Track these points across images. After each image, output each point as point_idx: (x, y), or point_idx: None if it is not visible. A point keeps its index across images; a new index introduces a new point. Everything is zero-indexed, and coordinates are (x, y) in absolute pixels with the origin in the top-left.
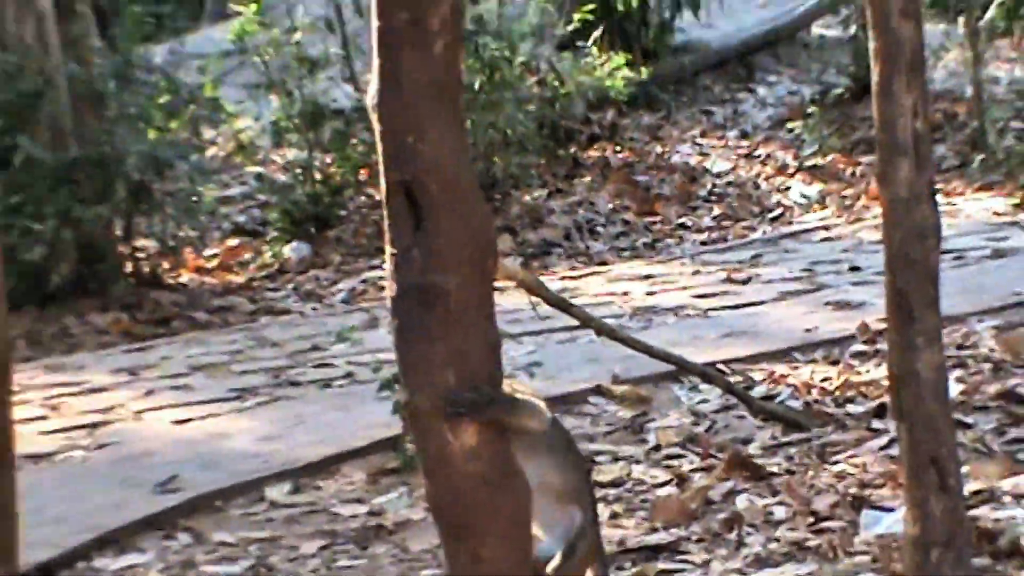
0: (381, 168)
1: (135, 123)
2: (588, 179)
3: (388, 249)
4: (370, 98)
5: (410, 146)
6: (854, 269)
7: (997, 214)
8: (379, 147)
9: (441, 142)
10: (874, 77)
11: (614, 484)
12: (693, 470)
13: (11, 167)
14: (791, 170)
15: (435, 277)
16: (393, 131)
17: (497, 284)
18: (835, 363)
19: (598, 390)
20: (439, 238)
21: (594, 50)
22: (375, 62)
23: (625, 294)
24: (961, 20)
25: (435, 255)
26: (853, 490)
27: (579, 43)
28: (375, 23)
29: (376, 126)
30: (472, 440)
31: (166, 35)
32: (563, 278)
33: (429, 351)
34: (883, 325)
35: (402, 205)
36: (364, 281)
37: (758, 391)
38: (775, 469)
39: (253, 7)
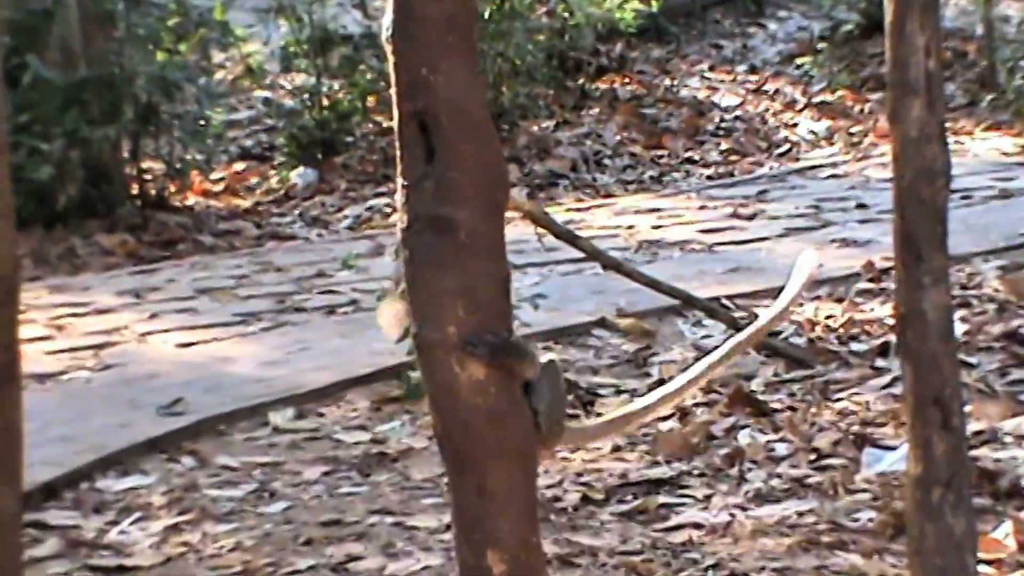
0: (394, 99)
1: (144, 44)
2: (596, 111)
3: (399, 181)
4: (384, 29)
5: (423, 78)
6: (860, 207)
7: (1005, 154)
8: (392, 79)
9: (454, 75)
10: (887, 16)
11: None
12: (696, 405)
13: (20, 86)
14: (799, 106)
15: (446, 209)
16: (406, 63)
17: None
18: (840, 301)
19: (602, 323)
20: (451, 170)
21: None
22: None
23: (631, 227)
24: None
25: (447, 187)
26: (855, 428)
27: None
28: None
29: (390, 58)
30: (480, 373)
31: None
32: (569, 210)
33: (439, 283)
34: (888, 263)
35: (414, 136)
36: (370, 208)
37: None
38: (777, 405)
39: None
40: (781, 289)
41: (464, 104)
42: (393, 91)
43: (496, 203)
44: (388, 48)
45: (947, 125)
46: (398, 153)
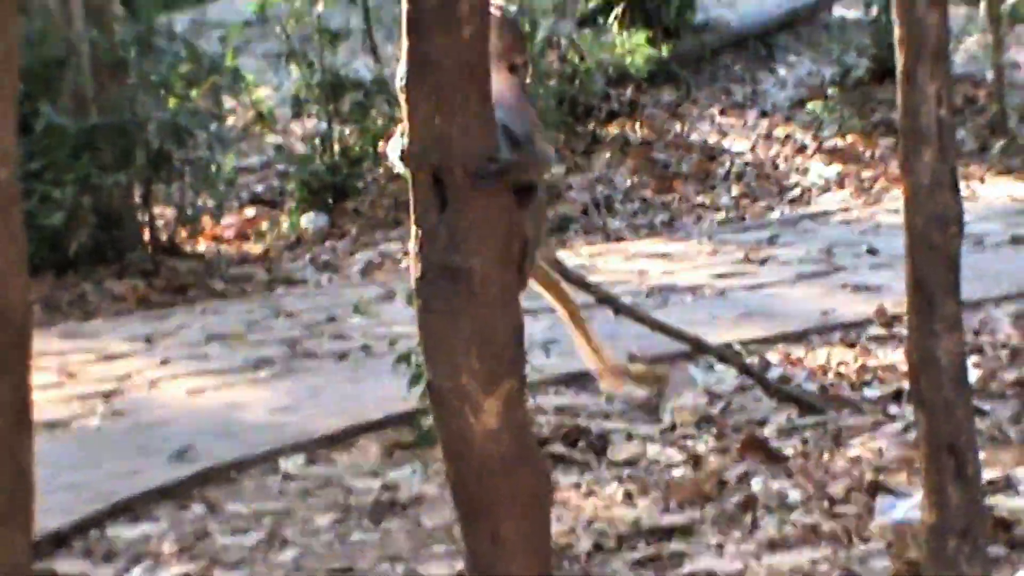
0: (407, 150)
1: (156, 91)
2: (607, 155)
3: (413, 230)
4: (398, 80)
5: (438, 129)
6: (872, 252)
7: (1016, 199)
8: (406, 130)
9: (468, 125)
10: (898, 65)
11: (628, 463)
12: (708, 451)
13: (32, 133)
14: (810, 151)
15: (460, 258)
16: (421, 115)
17: None
18: (852, 346)
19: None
20: (464, 219)
21: (615, 27)
22: (404, 44)
23: (642, 272)
24: (983, 4)
25: (460, 236)
26: (869, 475)
27: (600, 19)
28: (405, 6)
29: (404, 108)
30: (494, 422)
31: (188, 3)
32: (580, 254)
33: (452, 332)
34: (900, 309)
35: (428, 186)
36: (381, 253)
37: (774, 373)
38: (790, 452)
39: None
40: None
41: (478, 153)
42: (407, 141)
43: (510, 252)
44: (402, 97)
45: (958, 171)
46: (411, 202)
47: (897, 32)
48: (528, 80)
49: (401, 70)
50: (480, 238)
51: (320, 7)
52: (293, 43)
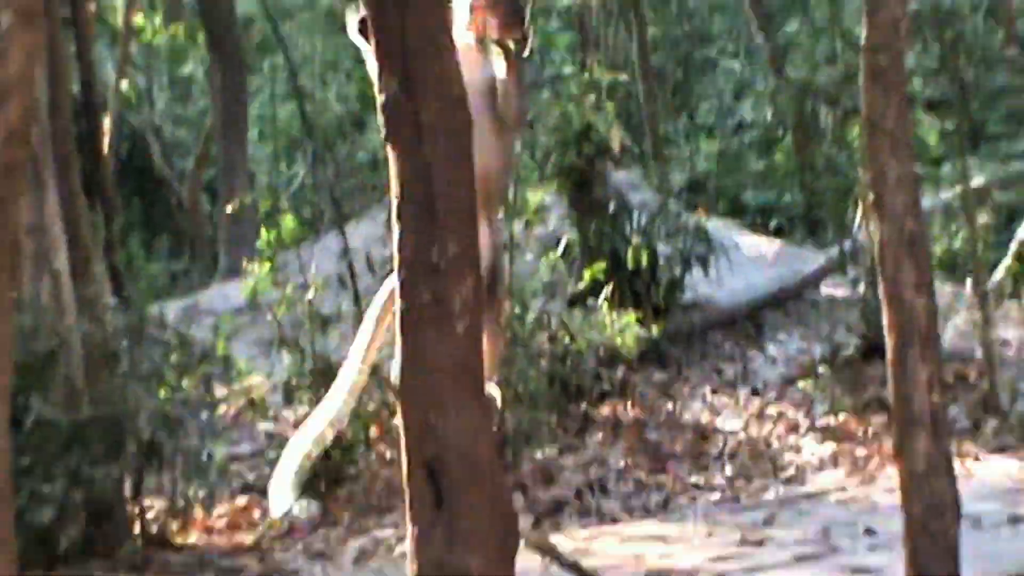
0: (403, 446)
1: (147, 381)
2: (599, 436)
3: (408, 527)
4: (393, 377)
5: (432, 425)
6: (869, 532)
7: (1012, 478)
8: (401, 425)
9: (463, 421)
10: (888, 351)
11: None
12: None
13: (22, 428)
14: (803, 429)
15: (456, 557)
16: (415, 410)
17: None
18: None
19: None
20: (460, 517)
21: (604, 307)
22: (398, 341)
23: (638, 556)
24: (969, 282)
25: (456, 534)
26: None
27: (590, 300)
28: (398, 301)
29: (399, 405)
30: None
31: (180, 292)
32: (574, 538)
33: None
34: None
35: (423, 483)
36: (375, 540)
37: None
38: None
39: (267, 265)
40: None
41: (473, 450)
42: (402, 437)
43: (507, 549)
44: (396, 395)
45: (952, 450)
46: (407, 499)
47: (885, 315)
48: (525, 55)
49: (395, 368)
50: (478, 536)
51: (311, 293)
52: (284, 330)
